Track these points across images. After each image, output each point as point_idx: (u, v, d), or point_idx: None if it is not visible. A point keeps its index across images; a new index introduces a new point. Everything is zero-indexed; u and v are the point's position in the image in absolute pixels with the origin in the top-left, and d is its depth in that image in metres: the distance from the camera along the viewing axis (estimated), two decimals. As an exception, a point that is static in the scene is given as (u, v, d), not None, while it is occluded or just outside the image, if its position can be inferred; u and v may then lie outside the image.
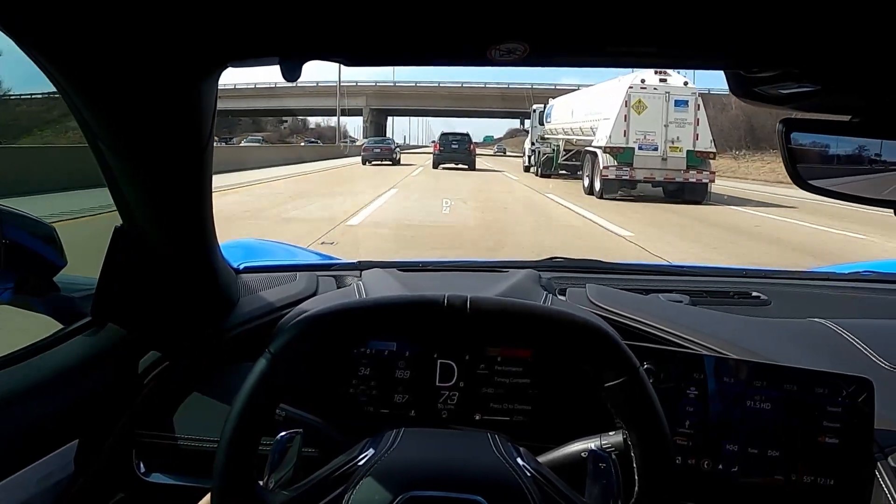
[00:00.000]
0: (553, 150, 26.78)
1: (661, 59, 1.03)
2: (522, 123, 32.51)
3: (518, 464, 0.97)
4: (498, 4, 0.83)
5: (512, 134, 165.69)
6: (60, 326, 1.25)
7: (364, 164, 35.29)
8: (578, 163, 22.84)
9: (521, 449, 1.02)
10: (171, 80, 0.97)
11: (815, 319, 1.50)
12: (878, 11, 0.81)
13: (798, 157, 0.98)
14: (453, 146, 32.66)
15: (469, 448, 1.02)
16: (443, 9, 0.84)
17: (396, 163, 36.46)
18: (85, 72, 0.92)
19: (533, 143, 30.01)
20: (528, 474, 0.95)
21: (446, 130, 34.37)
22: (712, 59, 1.03)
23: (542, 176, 26.90)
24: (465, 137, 33.14)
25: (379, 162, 35.73)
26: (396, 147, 39.61)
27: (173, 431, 1.29)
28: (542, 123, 28.19)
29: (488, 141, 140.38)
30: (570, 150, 24.67)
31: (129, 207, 1.15)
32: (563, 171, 25.50)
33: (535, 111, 29.72)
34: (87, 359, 1.20)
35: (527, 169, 31.06)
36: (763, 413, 1.18)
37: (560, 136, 25.42)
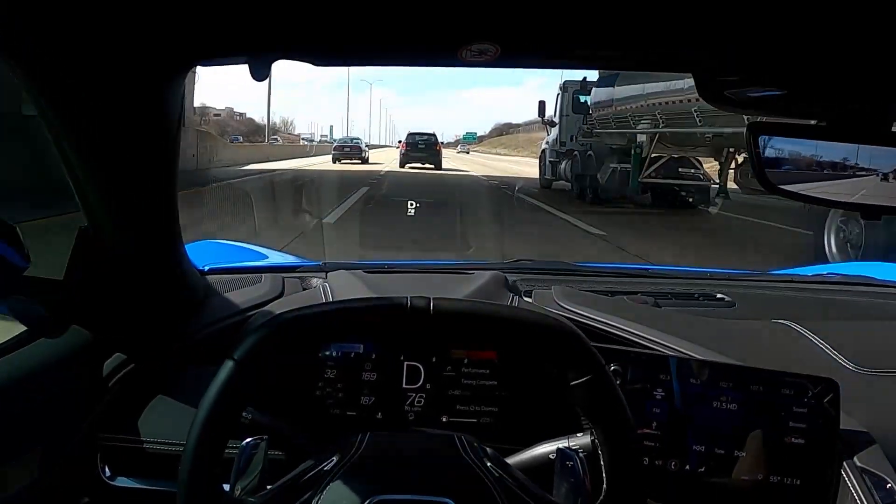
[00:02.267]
0: (617, 153, 15.03)
1: (631, 61, 1.04)
2: (542, 112, 20.45)
3: (485, 465, 0.97)
4: (470, 6, 0.83)
5: (501, 131, 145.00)
6: (23, 329, 1.23)
7: (335, 162, 36.13)
8: (685, 182, 14.18)
9: (488, 450, 1.02)
10: (136, 80, 0.95)
11: (780, 321, 1.51)
12: (841, 20, 0.82)
13: (766, 160, 0.99)
14: (420, 146, 32.90)
15: (436, 450, 1.02)
16: (415, 9, 0.84)
17: (365, 161, 37.33)
18: (48, 70, 0.91)
19: (563, 144, 18.43)
20: (496, 475, 0.95)
21: (413, 130, 34.86)
22: (682, 63, 1.04)
23: (596, 201, 15.26)
24: (431, 137, 33.64)
25: (349, 161, 36.42)
26: (365, 146, 41.36)
27: (138, 435, 1.27)
28: (579, 111, 17.26)
29: (470, 139, 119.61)
30: (662, 158, 14.01)
31: (94, 208, 1.14)
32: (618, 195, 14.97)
33: (565, 90, 18.47)
34: (50, 361, 1.18)
35: (548, 185, 20.24)
36: (729, 414, 1.19)
37: (646, 130, 13.76)
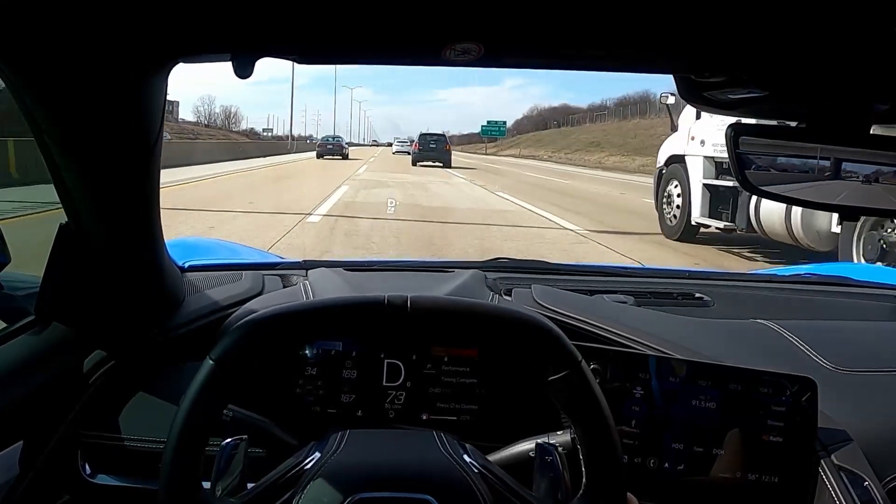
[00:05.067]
0: None
1: (613, 62, 1.05)
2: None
3: (465, 461, 0.97)
4: (453, 5, 0.83)
5: (542, 122, 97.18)
6: (3, 325, 1.22)
7: (319, 157, 40.04)
8: None
9: (468, 446, 1.02)
10: (120, 75, 0.95)
11: (758, 320, 1.53)
12: (822, 21, 0.83)
13: (746, 161, 1.00)
14: (431, 146, 35.26)
15: (416, 447, 1.02)
16: (398, 8, 0.84)
17: (345, 157, 41.43)
18: (32, 64, 0.91)
19: None
20: (476, 471, 0.95)
21: (425, 131, 38.00)
22: (663, 63, 1.05)
23: None
24: (441, 138, 36.50)
25: (331, 157, 40.42)
26: (346, 144, 47.24)
27: (119, 432, 1.26)
28: None
29: (492, 133, 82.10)
30: None
31: (75, 204, 1.13)
32: None
33: None
34: (31, 358, 1.18)
35: (688, 234, 10.34)
36: (708, 412, 1.20)
37: None
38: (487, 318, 0.99)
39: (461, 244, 9.61)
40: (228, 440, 1.01)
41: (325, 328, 1.01)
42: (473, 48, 0.92)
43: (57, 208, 1.16)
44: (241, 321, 0.96)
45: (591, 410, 0.95)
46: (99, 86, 0.95)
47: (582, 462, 0.95)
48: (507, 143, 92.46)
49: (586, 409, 0.95)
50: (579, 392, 0.95)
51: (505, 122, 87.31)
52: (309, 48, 0.99)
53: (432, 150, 35.09)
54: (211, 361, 0.92)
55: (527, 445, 1.09)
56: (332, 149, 42.71)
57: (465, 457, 0.98)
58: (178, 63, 0.99)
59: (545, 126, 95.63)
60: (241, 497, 0.95)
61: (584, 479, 0.94)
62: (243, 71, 0.94)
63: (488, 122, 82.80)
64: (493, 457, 1.09)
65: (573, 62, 1.05)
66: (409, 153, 49.99)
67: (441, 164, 33.79)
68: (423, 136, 36.72)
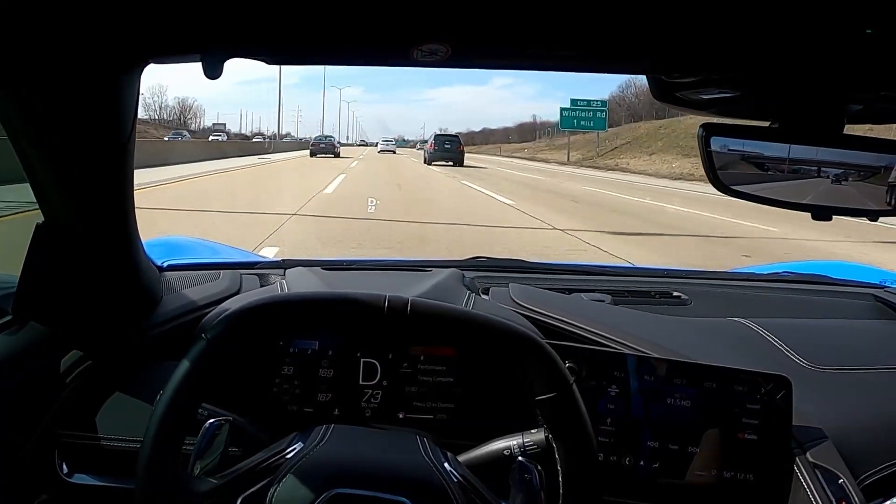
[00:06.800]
0: None
1: (584, 62, 1.05)
2: None
3: (445, 468, 0.98)
4: (419, 6, 0.83)
5: (651, 108, 54.39)
6: None
7: (312, 156, 43.11)
8: None
9: (449, 454, 1.03)
10: (90, 75, 0.95)
11: (735, 319, 1.54)
12: (794, 22, 0.84)
13: (718, 161, 1.00)
14: (446, 146, 38.22)
15: (397, 448, 1.03)
16: (365, 9, 0.84)
17: (337, 155, 44.49)
18: (3, 65, 0.90)
19: None
20: (455, 479, 0.96)
21: (439, 132, 41.36)
22: (634, 64, 1.05)
23: None
24: (455, 139, 39.48)
25: (323, 155, 43.36)
26: (337, 142, 50.22)
27: (96, 431, 1.26)
28: None
29: (579, 124, 48.21)
30: None
31: (51, 203, 1.13)
32: None
33: None
34: (7, 358, 1.17)
35: None
36: (683, 410, 1.21)
37: None
38: (484, 329, 1.00)
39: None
40: (212, 420, 1.01)
41: (321, 321, 1.02)
42: (441, 49, 0.92)
43: (34, 209, 1.15)
44: (241, 305, 0.96)
45: (576, 433, 0.97)
46: (71, 86, 0.95)
47: (559, 475, 0.96)
48: (608, 139, 54.01)
49: (570, 430, 0.97)
50: (566, 414, 0.97)
51: (604, 104, 49.99)
52: (278, 48, 0.99)
53: (447, 150, 37.69)
54: (205, 339, 0.92)
55: (501, 444, 1.10)
56: (325, 147, 45.45)
57: (446, 464, 0.99)
58: (148, 64, 0.99)
59: (659, 113, 53.37)
60: (219, 478, 0.95)
61: (560, 491, 0.95)
62: (212, 71, 0.94)
63: (573, 101, 48.23)
64: (468, 455, 1.09)
65: (542, 62, 1.05)
66: (394, 152, 54.45)
67: (453, 163, 36.38)
68: (437, 136, 39.61)
